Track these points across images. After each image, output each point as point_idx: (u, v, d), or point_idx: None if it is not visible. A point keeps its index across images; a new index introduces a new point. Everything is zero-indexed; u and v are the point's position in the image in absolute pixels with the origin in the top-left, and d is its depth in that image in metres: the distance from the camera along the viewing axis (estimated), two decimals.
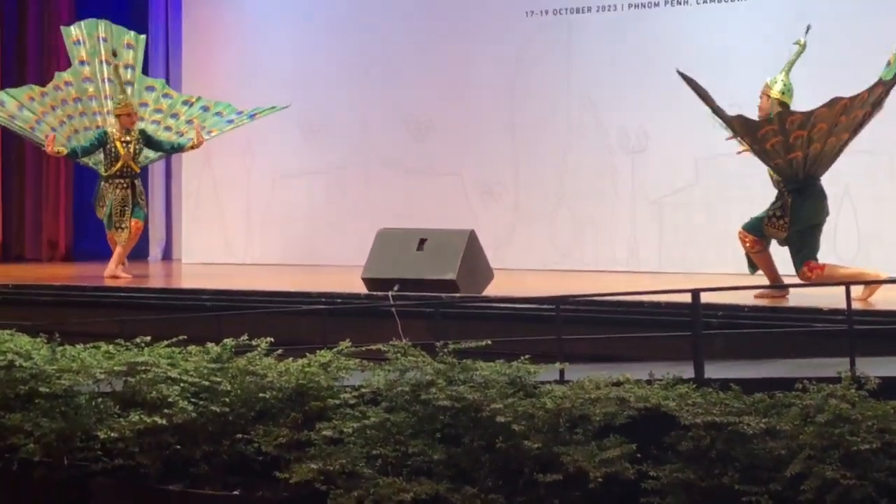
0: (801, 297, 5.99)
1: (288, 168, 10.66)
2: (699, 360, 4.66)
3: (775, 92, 6.99)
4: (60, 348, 5.23)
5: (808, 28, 7.11)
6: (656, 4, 9.45)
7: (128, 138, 8.88)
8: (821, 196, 6.83)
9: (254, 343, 5.08)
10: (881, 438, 3.99)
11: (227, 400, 4.76)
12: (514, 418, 4.34)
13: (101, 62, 9.58)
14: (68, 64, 10.03)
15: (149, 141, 9.05)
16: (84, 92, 9.54)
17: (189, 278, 9.65)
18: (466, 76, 10.08)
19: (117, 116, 9.02)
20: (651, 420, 4.32)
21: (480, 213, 9.72)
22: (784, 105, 6.92)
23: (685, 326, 5.01)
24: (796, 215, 6.74)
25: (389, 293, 6.61)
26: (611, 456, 4.23)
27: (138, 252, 11.48)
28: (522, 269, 9.13)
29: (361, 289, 7.05)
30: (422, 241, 7.12)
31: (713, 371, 4.68)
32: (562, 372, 4.73)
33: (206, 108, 9.52)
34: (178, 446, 4.72)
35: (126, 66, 9.47)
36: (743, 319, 5.79)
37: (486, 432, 4.41)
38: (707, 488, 4.13)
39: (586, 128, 9.65)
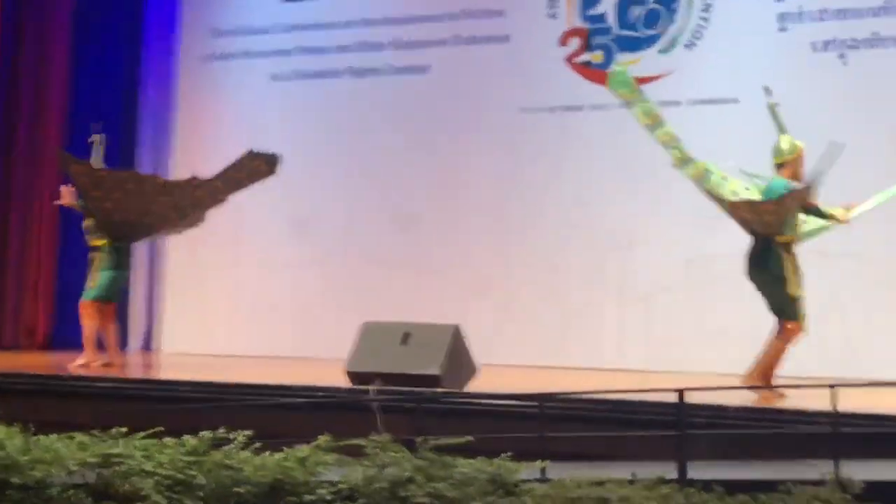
0: (791, 397, 5.93)
1: (275, 260, 10.63)
2: (683, 461, 4.59)
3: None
4: (34, 438, 5.13)
5: (767, 89, 7.38)
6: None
7: None
8: None
9: (231, 436, 4.99)
10: None
11: (201, 494, 4.65)
12: None
13: None
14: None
15: None
16: None
17: (168, 369, 9.57)
18: (457, 171, 10.12)
19: None
20: None
21: (467, 307, 9.67)
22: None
23: (670, 426, 4.95)
24: None
25: (371, 388, 6.54)
26: None
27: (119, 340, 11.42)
28: (508, 365, 9.06)
29: (344, 382, 6.98)
30: (406, 336, 7.08)
31: (697, 471, 4.60)
32: (543, 470, 4.65)
33: None
34: None
35: None
36: (728, 419, 5.71)
37: None
38: None
39: (576, 225, 9.67)
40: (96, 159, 8.90)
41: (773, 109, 7.35)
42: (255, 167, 8.80)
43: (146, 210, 8.77)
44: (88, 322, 8.76)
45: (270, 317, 10.51)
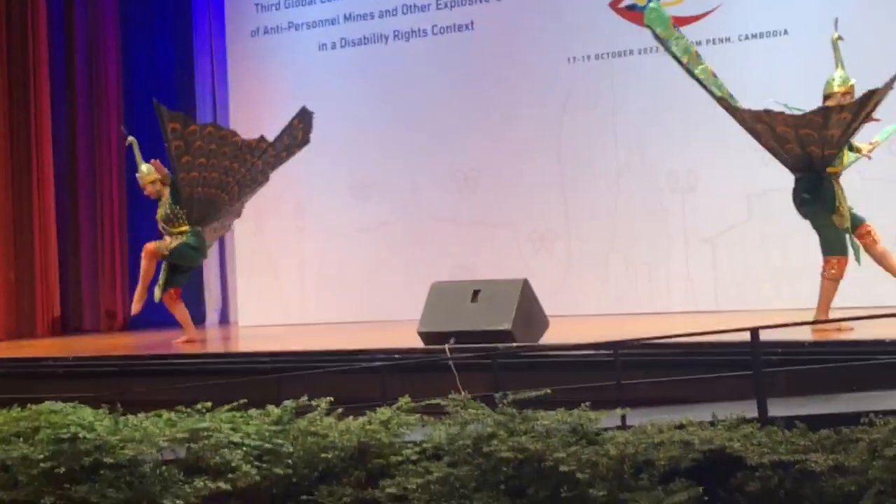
0: (863, 328, 5.91)
1: (339, 227, 10.72)
2: (762, 399, 4.61)
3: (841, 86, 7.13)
4: (123, 418, 5.25)
5: (836, 21, 7.22)
6: (698, 43, 9.40)
7: (160, 204, 9.08)
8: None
9: (313, 403, 5.09)
10: None
11: (289, 462, 4.76)
12: (577, 467, 4.31)
13: None
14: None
15: (174, 196, 9.03)
16: None
17: (246, 341, 9.69)
18: (512, 125, 10.11)
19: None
20: (717, 462, 4.28)
21: (533, 261, 9.71)
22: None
23: (746, 365, 4.96)
24: None
25: (446, 346, 6.60)
26: (678, 500, 4.19)
27: (195, 317, 11.60)
28: (577, 315, 9.09)
29: (418, 343, 7.05)
30: (475, 293, 7.12)
31: (777, 409, 4.62)
32: (623, 417, 4.70)
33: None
34: None
35: None
36: (804, 355, 5.71)
37: (550, 482, 4.38)
38: None
39: (635, 171, 9.64)
40: (138, 157, 9.20)
41: (835, 43, 7.24)
42: (297, 134, 9.12)
43: (224, 181, 9.08)
44: (181, 305, 9.25)
45: (340, 283, 10.62)
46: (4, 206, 10.71)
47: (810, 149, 6.89)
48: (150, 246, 9.05)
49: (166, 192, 8.99)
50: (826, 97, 7.24)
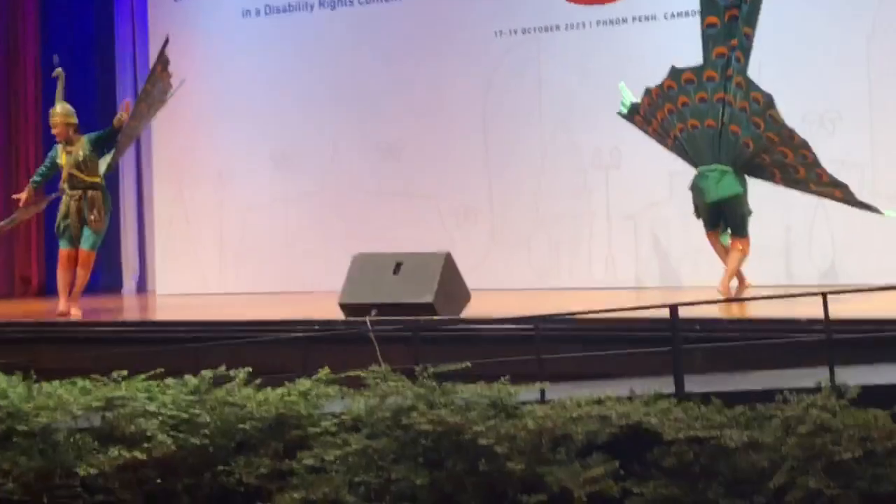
0: (778, 306, 5.98)
1: (260, 196, 10.63)
2: (679, 375, 4.66)
3: None
4: (36, 385, 5.17)
5: None
6: (625, 20, 9.49)
7: (70, 148, 8.48)
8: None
9: (232, 374, 5.04)
10: (863, 447, 4.00)
11: (206, 432, 4.72)
12: (496, 440, 4.33)
13: None
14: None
15: (95, 141, 8.55)
16: None
17: (164, 310, 9.59)
18: (438, 98, 10.09)
19: (52, 128, 8.66)
20: (633, 437, 4.32)
21: (456, 235, 9.71)
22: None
23: (664, 342, 5.01)
24: None
25: (367, 318, 6.58)
26: (595, 474, 4.22)
27: (112, 284, 11.46)
28: (500, 290, 9.12)
29: (339, 315, 7.02)
30: (398, 265, 7.09)
31: (693, 385, 4.68)
32: (542, 392, 4.71)
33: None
34: (159, 480, 4.68)
35: None
36: (721, 331, 5.78)
37: (468, 455, 4.39)
38: (691, 503, 4.13)
39: (560, 147, 9.67)
40: (59, 92, 8.78)
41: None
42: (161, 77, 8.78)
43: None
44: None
45: (260, 254, 10.53)
46: None
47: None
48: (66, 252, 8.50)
49: (81, 138, 8.55)
50: None
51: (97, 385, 5.05)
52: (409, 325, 6.14)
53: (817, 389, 4.28)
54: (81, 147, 8.49)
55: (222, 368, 5.09)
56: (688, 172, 8.99)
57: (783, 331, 5.55)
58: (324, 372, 5.00)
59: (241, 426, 4.71)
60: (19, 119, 11.38)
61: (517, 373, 4.85)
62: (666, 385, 4.62)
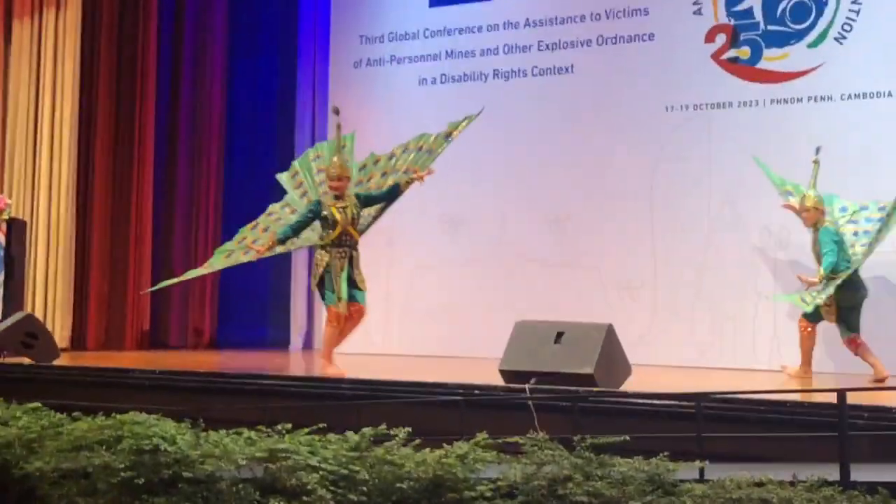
0: None
1: (428, 260, 10.78)
2: (845, 462, 4.54)
3: (812, 202, 8.25)
4: (204, 434, 5.32)
5: (819, 149, 8.37)
6: (799, 100, 9.38)
7: (342, 204, 8.24)
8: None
9: (391, 433, 5.11)
10: None
11: (364, 489, 4.77)
12: None
13: (316, 173, 9.10)
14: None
15: (366, 200, 8.42)
16: (299, 205, 8.95)
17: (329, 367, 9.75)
18: (606, 170, 10.11)
19: (328, 179, 8.42)
20: None
21: (618, 307, 9.67)
22: (820, 211, 8.26)
23: (830, 427, 4.89)
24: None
25: (527, 385, 6.59)
26: None
27: (280, 340, 11.74)
28: (660, 365, 9.03)
29: (498, 381, 7.05)
30: (559, 335, 7.10)
31: (859, 474, 4.54)
32: (702, 470, 4.64)
33: (419, 150, 8.91)
34: None
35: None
36: (891, 420, 5.61)
37: None
38: None
39: (726, 223, 9.57)
40: (337, 144, 8.61)
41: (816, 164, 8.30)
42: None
43: None
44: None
45: (424, 317, 10.66)
46: (104, 219, 10.94)
47: None
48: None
49: (350, 195, 8.32)
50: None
51: (261, 437, 5.17)
52: (568, 395, 6.13)
53: None
54: (352, 204, 8.31)
55: (382, 427, 5.16)
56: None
57: None
58: (482, 436, 5.02)
59: (398, 485, 4.75)
60: (201, 174, 11.79)
61: (676, 450, 4.79)
62: (830, 473, 4.51)
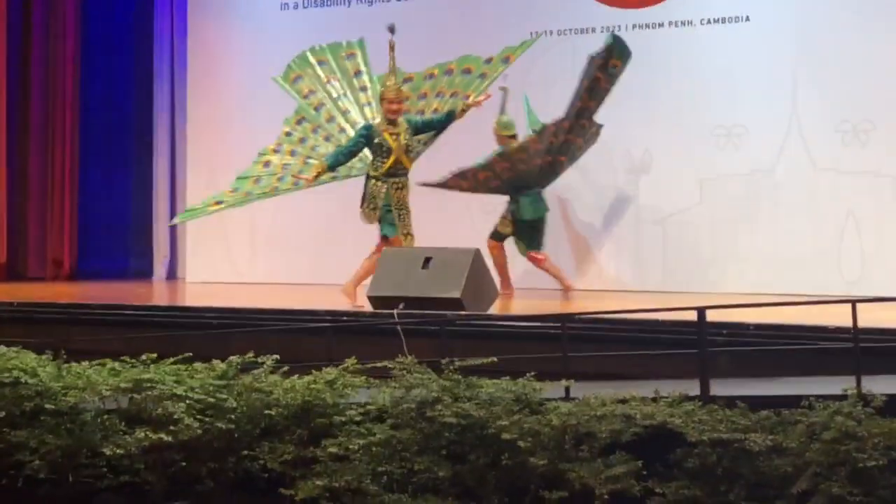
0: (807, 313, 5.97)
1: None
2: (705, 378, 4.66)
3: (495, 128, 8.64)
4: (66, 366, 5.23)
5: (506, 77, 8.71)
6: (660, 24, 9.46)
7: (396, 130, 7.87)
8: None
9: (259, 360, 5.08)
10: (888, 455, 4.01)
11: (232, 417, 4.77)
12: (519, 435, 4.35)
13: (326, 83, 8.81)
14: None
15: (419, 126, 8.02)
16: (319, 120, 8.74)
17: (193, 297, 9.65)
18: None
19: (383, 102, 7.95)
20: (657, 437, 4.34)
21: (485, 233, 9.70)
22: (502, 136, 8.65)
23: (690, 345, 5.02)
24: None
25: (395, 311, 6.61)
26: (617, 473, 4.24)
27: (142, 270, 11.54)
28: (526, 289, 9.12)
29: (367, 307, 7.06)
30: (427, 260, 7.13)
31: (719, 389, 4.68)
32: (567, 389, 4.74)
33: (464, 72, 8.64)
34: (184, 463, 4.73)
35: (356, 74, 8.75)
36: (748, 337, 5.78)
37: (491, 449, 4.42)
38: None
39: (593, 149, 9.64)
40: (392, 63, 8.16)
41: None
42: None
43: None
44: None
45: (290, 244, 10.55)
46: None
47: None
48: None
49: (403, 121, 7.94)
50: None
51: (126, 367, 5.10)
52: (435, 319, 6.17)
53: (843, 397, 4.29)
54: (405, 131, 7.93)
55: (250, 355, 5.13)
56: (717, 178, 9.06)
57: (810, 338, 5.56)
58: (350, 362, 5.03)
59: (266, 412, 4.76)
60: (55, 102, 11.43)
61: (542, 370, 4.87)
62: (691, 388, 4.63)
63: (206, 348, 5.54)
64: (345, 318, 6.68)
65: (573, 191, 9.67)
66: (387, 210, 7.91)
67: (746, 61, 9.02)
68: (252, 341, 5.69)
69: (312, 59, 8.95)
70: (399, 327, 6.12)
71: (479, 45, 9.98)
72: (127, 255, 11.64)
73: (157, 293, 10.07)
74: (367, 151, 8.04)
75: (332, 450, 4.55)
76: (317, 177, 8.01)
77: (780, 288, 8.27)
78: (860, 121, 8.59)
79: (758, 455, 4.14)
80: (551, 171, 8.75)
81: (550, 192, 9.28)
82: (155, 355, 5.18)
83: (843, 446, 4.02)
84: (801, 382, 4.95)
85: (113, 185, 11.55)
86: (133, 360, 5.17)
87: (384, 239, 7.95)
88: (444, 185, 8.59)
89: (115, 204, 11.55)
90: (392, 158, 7.83)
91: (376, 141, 7.86)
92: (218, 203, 8.79)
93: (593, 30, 9.71)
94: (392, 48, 8.15)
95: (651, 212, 9.39)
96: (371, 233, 9.41)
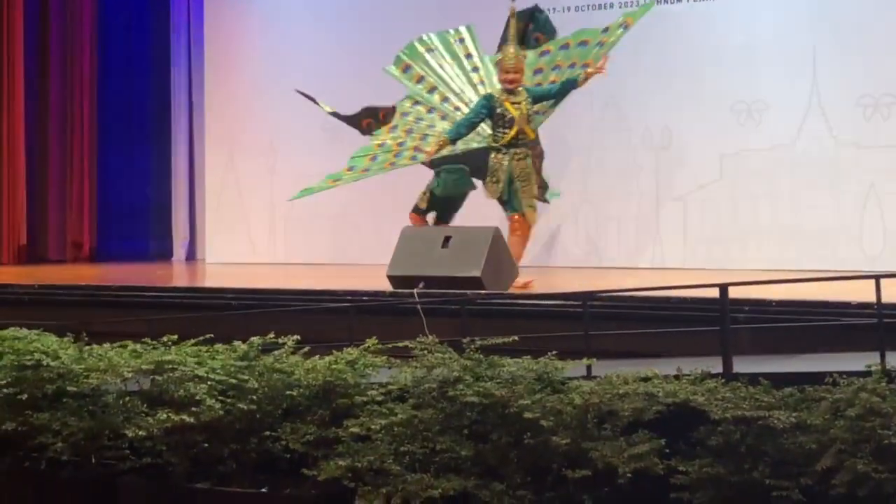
0: (830, 289, 5.93)
1: (312, 168, 10.61)
2: (727, 355, 4.64)
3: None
4: (87, 348, 5.24)
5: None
6: (679, 0, 9.41)
7: (517, 99, 7.68)
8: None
9: (280, 341, 5.08)
10: None
11: (254, 398, 4.76)
12: (541, 414, 4.33)
13: (439, 68, 8.71)
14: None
15: (539, 96, 7.84)
16: (433, 101, 8.64)
17: (213, 278, 9.66)
18: None
19: (501, 74, 7.83)
20: (680, 415, 4.31)
21: (501, 211, 9.67)
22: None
23: (712, 322, 4.99)
24: None
25: (415, 290, 6.60)
26: (640, 451, 4.22)
27: (162, 251, 11.57)
28: (547, 266, 9.10)
29: (387, 286, 7.05)
30: (447, 239, 7.10)
31: (741, 366, 4.65)
32: (589, 367, 4.72)
33: (580, 45, 8.41)
34: (206, 444, 4.73)
35: (466, 56, 8.57)
36: (770, 314, 5.74)
37: (513, 428, 4.41)
38: (737, 483, 4.12)
39: (609, 126, 9.61)
40: (512, 33, 8.02)
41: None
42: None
43: None
44: None
45: (309, 225, 10.55)
46: None
47: None
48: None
49: (522, 90, 7.75)
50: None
51: (147, 349, 5.11)
52: (456, 299, 6.15)
53: (867, 373, 4.25)
54: (525, 100, 7.72)
55: (271, 336, 5.13)
56: (737, 154, 9.01)
57: (834, 314, 5.52)
58: (371, 341, 5.02)
59: (288, 393, 4.75)
60: (74, 85, 11.43)
61: (564, 349, 4.85)
62: (714, 365, 4.60)
63: (226, 330, 5.54)
64: (365, 297, 6.66)
65: (594, 169, 9.64)
66: (509, 183, 7.72)
67: (766, 36, 8.96)
68: (273, 322, 5.70)
69: (421, 49, 8.84)
70: (419, 307, 6.11)
71: (500, 19, 9.96)
72: (146, 236, 11.67)
73: (178, 275, 10.08)
74: (484, 125, 7.88)
75: (354, 430, 4.54)
76: (438, 150, 7.91)
77: (802, 264, 8.23)
78: (882, 95, 8.52)
79: (782, 432, 4.10)
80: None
81: (576, 169, 9.24)
82: (176, 337, 5.19)
83: (868, 423, 3.99)
84: (825, 359, 4.92)
85: (132, 167, 11.57)
86: (154, 342, 5.17)
87: (511, 217, 7.80)
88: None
89: (135, 186, 11.57)
90: (515, 129, 7.65)
91: (498, 111, 7.67)
92: (336, 181, 8.85)
93: (611, 5, 9.64)
94: (513, 15, 8.05)
95: (671, 188, 9.35)
96: (386, 213, 9.39)
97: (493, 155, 7.75)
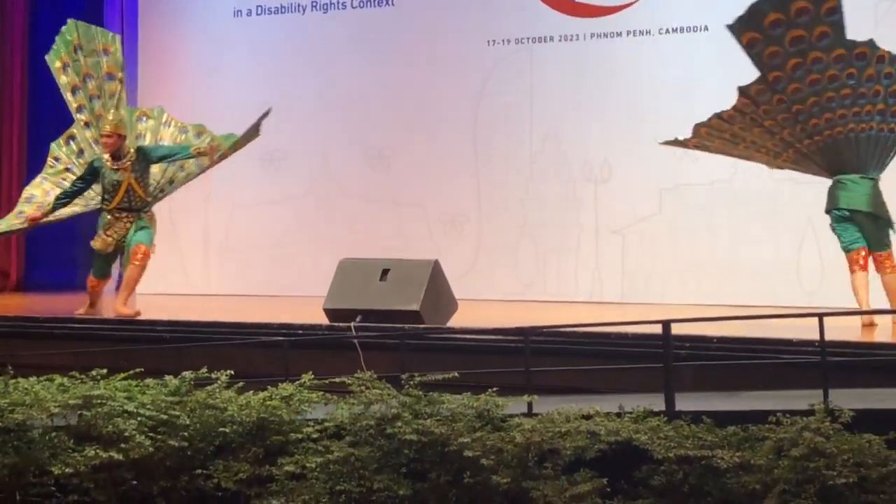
0: (772, 327, 5.91)
1: (246, 197, 10.51)
2: (670, 394, 4.58)
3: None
4: (13, 381, 5.07)
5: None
6: (618, 34, 9.43)
7: (120, 163, 7.74)
8: None
9: (213, 376, 4.95)
10: (857, 472, 3.93)
11: (185, 434, 4.64)
12: (482, 452, 4.25)
13: (85, 77, 8.41)
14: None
15: (148, 155, 7.80)
16: (82, 132, 8.49)
17: (145, 309, 9.45)
18: (428, 105, 10.00)
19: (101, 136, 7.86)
20: (622, 454, 4.24)
21: (443, 243, 9.62)
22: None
23: (653, 358, 4.93)
24: None
25: (352, 324, 6.49)
26: (581, 491, 4.14)
27: None
28: (486, 300, 9.04)
29: (323, 320, 6.93)
30: (385, 272, 7.02)
31: (684, 403, 4.60)
32: (530, 405, 4.64)
33: (194, 135, 8.56)
34: (135, 482, 4.60)
35: (108, 76, 8.40)
36: (712, 350, 5.70)
37: (453, 467, 4.32)
38: None
39: (549, 158, 9.60)
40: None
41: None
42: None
43: None
44: None
45: (244, 255, 10.42)
46: None
47: None
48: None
49: (130, 150, 7.82)
50: None
51: (75, 383, 4.95)
52: (394, 332, 6.06)
53: (811, 412, 4.21)
54: (131, 160, 7.79)
55: (203, 370, 5.00)
56: (676, 188, 9.02)
57: (775, 351, 5.49)
58: (307, 377, 4.91)
59: (221, 429, 4.63)
60: (3, 106, 11.20)
61: (505, 384, 4.78)
62: (655, 402, 4.55)
63: (158, 363, 5.40)
64: (300, 331, 6.54)
65: (532, 201, 9.61)
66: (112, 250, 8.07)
67: (704, 71, 8.99)
68: (206, 356, 5.57)
69: (74, 39, 8.41)
70: (356, 341, 6.00)
71: (435, 53, 9.95)
72: (75, 266, 11.42)
73: (107, 306, 9.86)
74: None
75: (289, 468, 4.43)
76: (45, 216, 8.08)
77: (740, 298, 8.24)
78: None
79: (725, 472, 4.05)
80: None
81: (515, 200, 9.20)
82: (105, 370, 5.04)
83: (812, 463, 3.95)
84: (768, 397, 4.88)
85: None
86: (82, 376, 5.02)
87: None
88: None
89: None
90: (121, 193, 7.81)
91: (105, 175, 7.81)
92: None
93: (551, 38, 9.65)
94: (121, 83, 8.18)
95: (611, 222, 9.34)
96: (323, 245, 9.29)
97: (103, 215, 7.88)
